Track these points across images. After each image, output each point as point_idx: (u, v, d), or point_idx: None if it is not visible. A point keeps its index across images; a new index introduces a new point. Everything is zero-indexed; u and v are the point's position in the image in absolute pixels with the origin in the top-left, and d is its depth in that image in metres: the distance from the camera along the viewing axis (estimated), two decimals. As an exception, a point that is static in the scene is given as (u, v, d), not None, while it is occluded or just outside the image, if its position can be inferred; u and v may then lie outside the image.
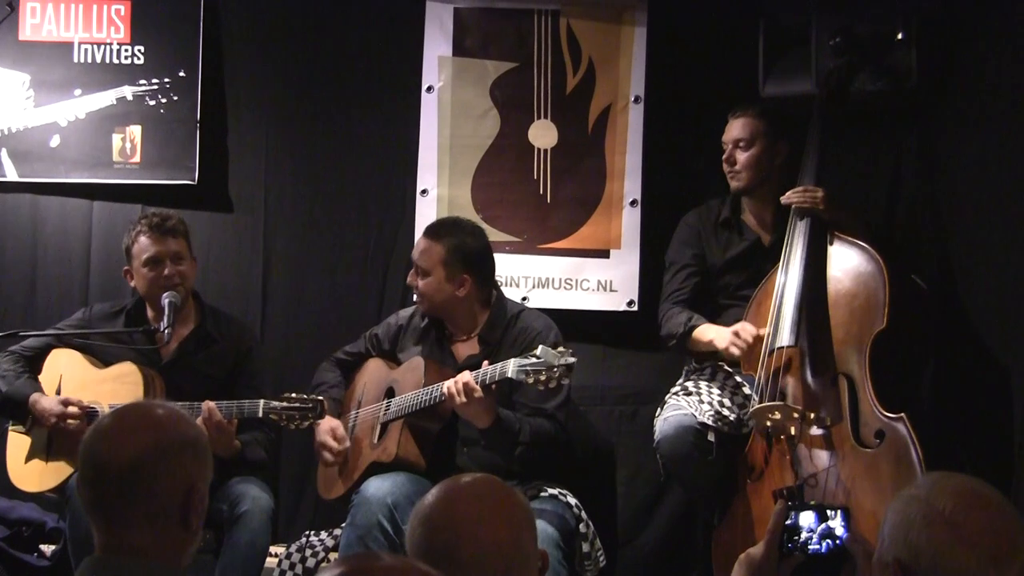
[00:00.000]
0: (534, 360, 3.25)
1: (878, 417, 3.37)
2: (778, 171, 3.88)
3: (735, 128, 3.89)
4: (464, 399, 3.35)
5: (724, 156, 3.90)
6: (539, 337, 3.60)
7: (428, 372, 3.57)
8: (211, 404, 3.52)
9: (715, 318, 3.84)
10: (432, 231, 3.75)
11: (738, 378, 3.78)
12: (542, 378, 3.24)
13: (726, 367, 3.81)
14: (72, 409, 3.64)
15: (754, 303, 3.72)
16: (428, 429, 3.57)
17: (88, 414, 3.65)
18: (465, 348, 3.72)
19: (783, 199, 3.72)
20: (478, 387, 3.34)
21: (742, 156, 3.86)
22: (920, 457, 3.26)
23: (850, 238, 3.61)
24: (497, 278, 3.91)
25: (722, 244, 3.94)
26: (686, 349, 3.84)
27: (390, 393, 3.69)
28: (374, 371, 3.83)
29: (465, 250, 3.68)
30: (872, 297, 3.49)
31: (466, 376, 3.37)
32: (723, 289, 3.93)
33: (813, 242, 3.62)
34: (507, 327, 3.68)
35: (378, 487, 3.42)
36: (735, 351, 3.59)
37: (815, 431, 3.46)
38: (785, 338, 3.51)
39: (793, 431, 3.45)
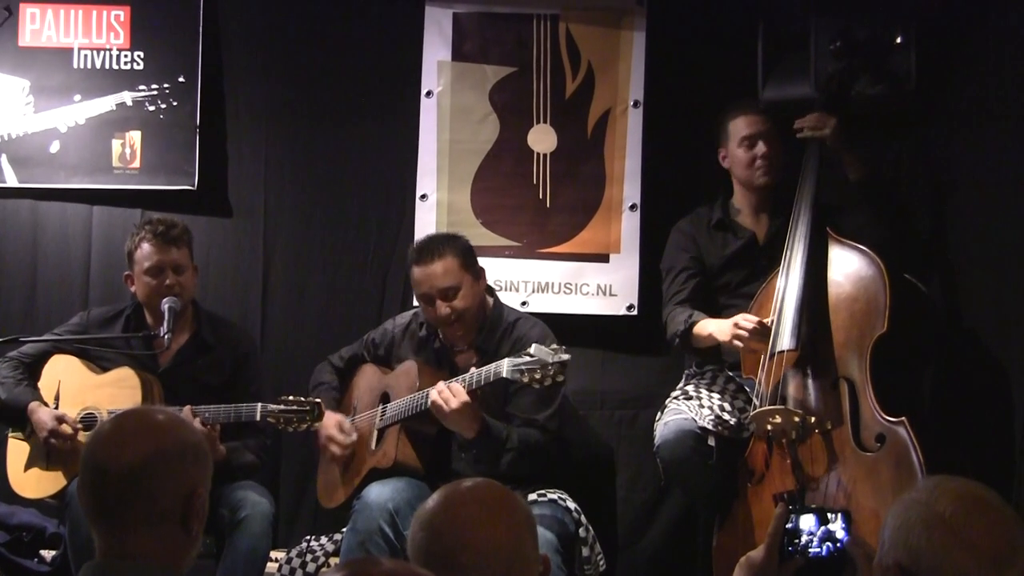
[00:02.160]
0: (527, 359, 3.24)
1: (879, 421, 3.37)
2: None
3: (758, 123, 3.89)
4: (452, 403, 3.34)
5: (756, 152, 3.87)
6: None
7: (422, 376, 3.56)
8: (190, 408, 3.52)
9: (717, 317, 3.81)
10: (430, 253, 3.61)
11: (738, 382, 3.78)
12: (537, 376, 3.23)
13: (727, 371, 3.81)
14: (64, 428, 3.64)
15: (755, 305, 3.71)
16: (425, 433, 3.57)
17: (85, 427, 3.66)
18: (463, 359, 3.70)
19: (796, 125, 3.75)
20: (461, 388, 3.34)
21: (771, 150, 3.86)
22: (920, 461, 3.26)
23: (850, 242, 3.61)
24: (496, 283, 3.91)
25: (718, 244, 3.93)
26: (690, 347, 3.82)
27: (385, 398, 3.69)
28: (368, 377, 3.83)
29: (466, 248, 3.68)
30: (873, 301, 3.49)
31: (440, 385, 3.37)
32: (723, 288, 3.92)
33: (813, 246, 3.62)
34: (503, 335, 3.67)
35: (379, 492, 3.43)
36: (738, 343, 3.57)
37: (816, 435, 3.46)
38: (786, 342, 3.50)
39: (794, 435, 3.45)
